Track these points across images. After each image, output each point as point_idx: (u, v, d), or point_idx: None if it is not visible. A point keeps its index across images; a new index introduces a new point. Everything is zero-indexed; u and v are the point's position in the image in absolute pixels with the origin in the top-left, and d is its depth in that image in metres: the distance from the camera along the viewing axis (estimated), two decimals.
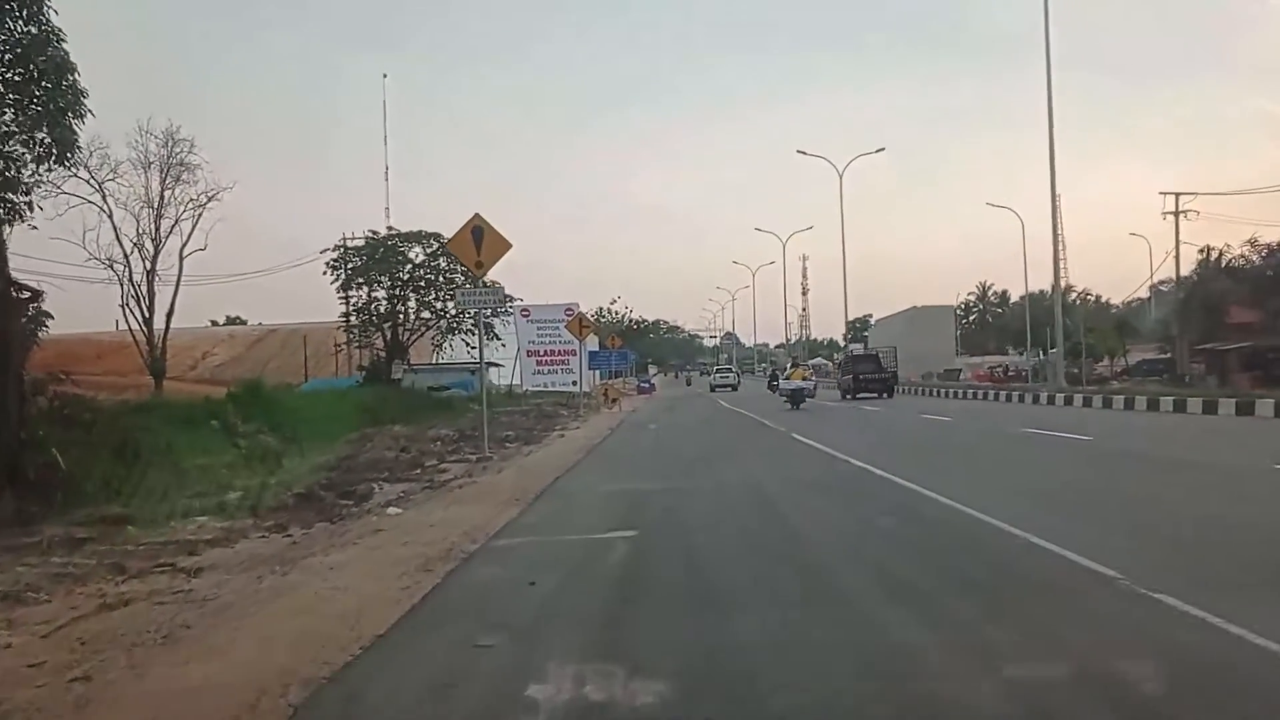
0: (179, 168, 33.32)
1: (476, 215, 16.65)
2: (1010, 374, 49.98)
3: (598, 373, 63.20)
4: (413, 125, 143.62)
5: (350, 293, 38.85)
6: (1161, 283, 74.03)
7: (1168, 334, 48.55)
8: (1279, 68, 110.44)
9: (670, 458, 17.19)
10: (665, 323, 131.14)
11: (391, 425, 23.70)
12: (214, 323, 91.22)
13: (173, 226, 33.47)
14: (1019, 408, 32.02)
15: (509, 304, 38.51)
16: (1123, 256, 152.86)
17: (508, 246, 16.94)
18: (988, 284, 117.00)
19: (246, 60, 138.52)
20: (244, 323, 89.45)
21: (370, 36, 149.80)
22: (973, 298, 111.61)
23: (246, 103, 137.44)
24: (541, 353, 35.89)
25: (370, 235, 39.15)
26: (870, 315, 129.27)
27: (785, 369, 42.77)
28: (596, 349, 60.93)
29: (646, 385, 61.41)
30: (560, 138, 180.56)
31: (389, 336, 39.35)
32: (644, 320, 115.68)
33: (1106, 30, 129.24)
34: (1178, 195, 36.34)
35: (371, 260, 38.37)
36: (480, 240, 16.28)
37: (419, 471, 15.13)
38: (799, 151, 57.96)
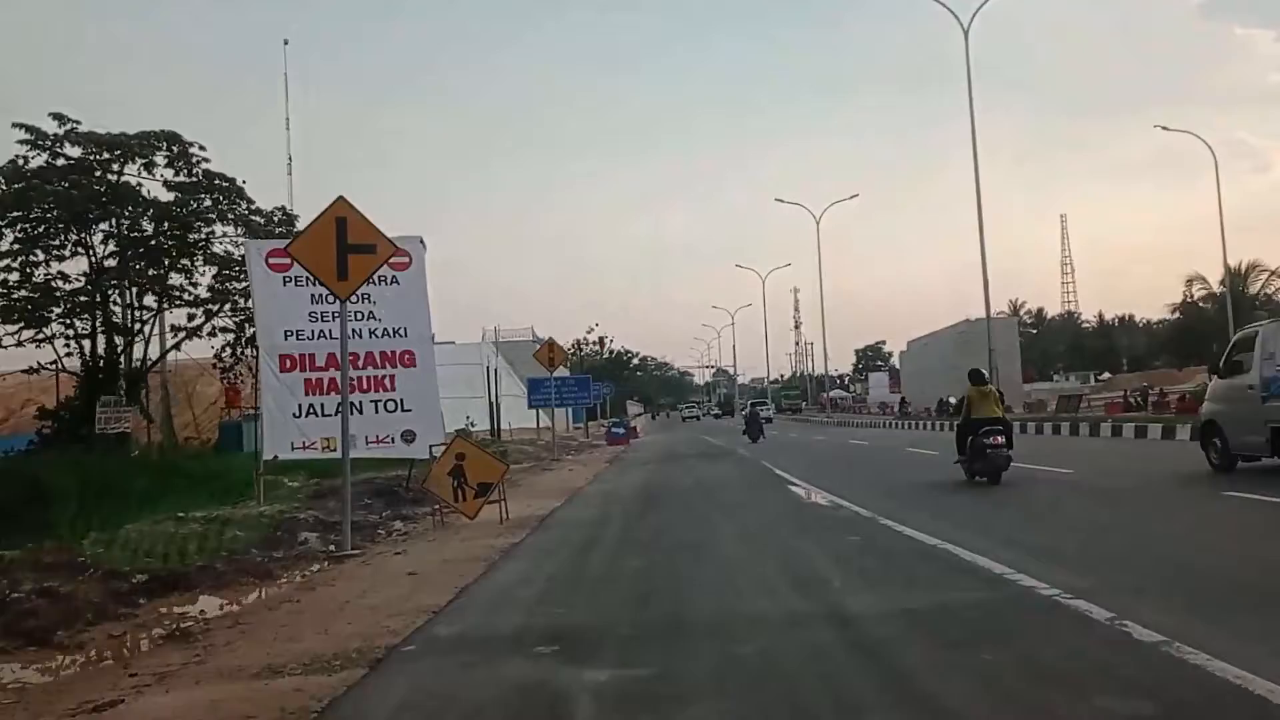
0: None
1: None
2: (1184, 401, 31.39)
3: (570, 413, 43.13)
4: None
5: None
6: None
7: None
8: None
9: None
10: (653, 359, 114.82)
11: None
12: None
13: None
14: None
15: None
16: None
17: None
18: (1019, 301, 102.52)
19: None
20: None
21: None
22: (1002, 317, 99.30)
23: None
24: (311, 358, 12.09)
25: (29, 140, 19.97)
26: (883, 342, 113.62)
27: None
28: (566, 374, 40.57)
29: (619, 433, 41.08)
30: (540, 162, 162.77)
31: (90, 350, 20.44)
32: (627, 352, 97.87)
33: None
34: None
35: (34, 192, 19.37)
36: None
37: None
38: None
